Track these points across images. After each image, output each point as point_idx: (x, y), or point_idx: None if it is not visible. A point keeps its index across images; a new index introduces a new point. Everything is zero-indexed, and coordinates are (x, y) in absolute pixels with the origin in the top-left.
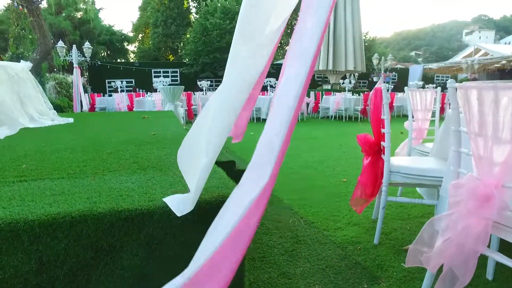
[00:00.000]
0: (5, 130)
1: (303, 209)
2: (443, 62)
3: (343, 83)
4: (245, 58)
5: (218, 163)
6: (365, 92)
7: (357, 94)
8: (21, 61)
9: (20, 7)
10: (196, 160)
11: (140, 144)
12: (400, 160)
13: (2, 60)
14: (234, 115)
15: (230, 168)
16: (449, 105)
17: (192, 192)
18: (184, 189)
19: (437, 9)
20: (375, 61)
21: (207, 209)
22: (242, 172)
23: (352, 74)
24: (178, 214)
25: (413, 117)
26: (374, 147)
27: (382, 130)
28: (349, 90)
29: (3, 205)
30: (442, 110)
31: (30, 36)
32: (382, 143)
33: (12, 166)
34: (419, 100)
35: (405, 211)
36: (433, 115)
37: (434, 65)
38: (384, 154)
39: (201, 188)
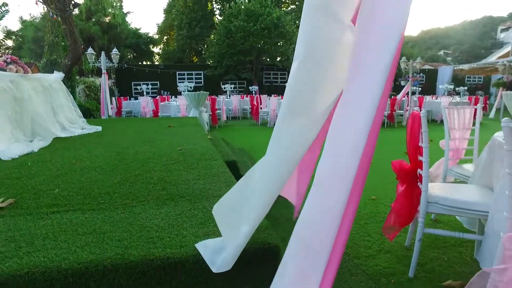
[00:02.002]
0: (39, 142)
1: None
2: (476, 62)
3: None
4: (294, 134)
5: None
6: (392, 97)
7: None
8: (55, 71)
9: (55, 16)
10: (235, 221)
11: (167, 163)
12: (438, 189)
13: (38, 67)
14: (277, 189)
15: None
16: (482, 107)
17: (230, 251)
18: (215, 229)
19: (468, 5)
20: (402, 65)
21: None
22: None
23: None
24: (214, 270)
25: (449, 135)
26: (410, 174)
27: (420, 158)
28: None
29: (38, 247)
30: (475, 115)
31: (63, 43)
32: (419, 170)
33: (45, 191)
34: (457, 118)
35: (441, 237)
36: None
37: (465, 66)
38: (421, 182)
39: (240, 251)
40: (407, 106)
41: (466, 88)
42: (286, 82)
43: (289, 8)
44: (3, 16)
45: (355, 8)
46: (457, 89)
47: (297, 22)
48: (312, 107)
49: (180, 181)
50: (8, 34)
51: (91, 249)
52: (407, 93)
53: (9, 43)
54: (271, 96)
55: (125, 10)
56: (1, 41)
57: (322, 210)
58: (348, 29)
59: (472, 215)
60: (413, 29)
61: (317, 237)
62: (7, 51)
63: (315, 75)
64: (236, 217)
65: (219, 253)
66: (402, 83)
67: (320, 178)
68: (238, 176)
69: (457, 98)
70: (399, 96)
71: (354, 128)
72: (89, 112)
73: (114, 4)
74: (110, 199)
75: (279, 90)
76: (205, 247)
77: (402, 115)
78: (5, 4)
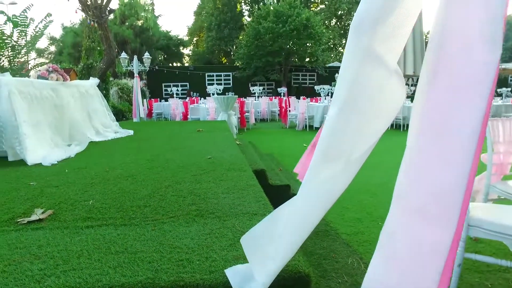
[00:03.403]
0: (76, 147)
1: (362, 246)
2: None
3: None
4: (327, 178)
5: (272, 187)
6: None
7: None
8: (90, 77)
9: (92, 22)
10: (262, 257)
11: (196, 173)
12: (482, 212)
13: (75, 71)
14: (306, 233)
15: (283, 192)
16: None
17: (258, 284)
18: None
19: None
20: None
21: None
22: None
23: (411, 79)
24: None
25: (492, 149)
26: None
27: None
28: (408, 97)
29: (74, 265)
30: None
31: (98, 48)
32: None
33: (81, 202)
34: (502, 131)
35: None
36: None
37: (509, 65)
38: None
39: (266, 287)
40: None
41: (509, 89)
42: (314, 83)
43: (318, 8)
44: (47, 26)
45: (401, 51)
46: (498, 90)
47: (326, 22)
48: (349, 154)
49: (210, 194)
50: (52, 40)
51: (123, 271)
52: None
53: (52, 48)
54: (299, 98)
55: (156, 14)
56: (46, 48)
57: None
58: (394, 74)
59: None
60: None
61: None
62: (50, 55)
63: (355, 124)
64: (263, 253)
65: (249, 281)
66: None
67: (399, 257)
68: (267, 186)
69: (498, 101)
70: None
71: (443, 203)
72: (122, 113)
73: (146, 8)
74: (141, 213)
75: (308, 92)
76: (234, 273)
77: None
78: (49, 15)
